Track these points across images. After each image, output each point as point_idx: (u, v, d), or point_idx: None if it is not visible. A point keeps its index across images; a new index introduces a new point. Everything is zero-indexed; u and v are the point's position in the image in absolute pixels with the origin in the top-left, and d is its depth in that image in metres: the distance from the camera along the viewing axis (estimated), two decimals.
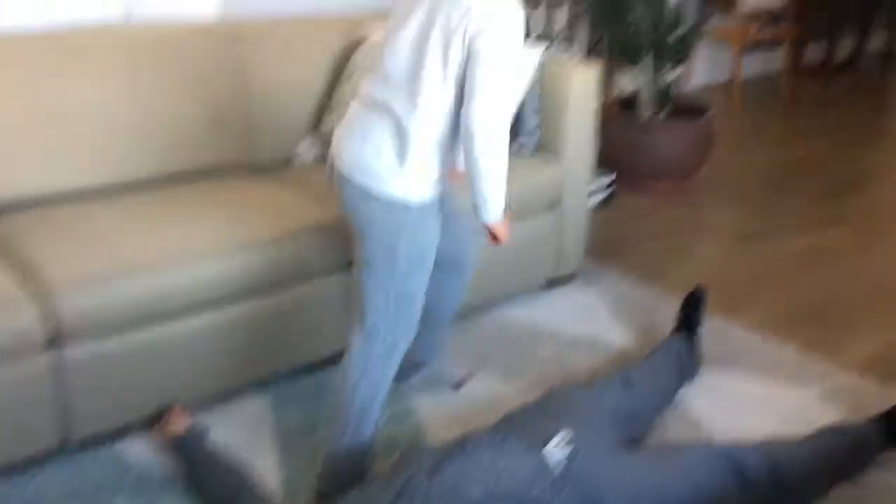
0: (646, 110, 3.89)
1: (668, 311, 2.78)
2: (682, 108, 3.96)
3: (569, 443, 1.74)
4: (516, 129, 2.80)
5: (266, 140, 2.71)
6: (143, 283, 2.00)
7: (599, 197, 3.71)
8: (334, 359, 2.42)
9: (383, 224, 1.81)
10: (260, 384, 2.34)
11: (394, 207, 1.79)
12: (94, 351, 1.97)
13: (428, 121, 1.76)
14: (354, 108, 1.87)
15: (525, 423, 1.82)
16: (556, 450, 1.72)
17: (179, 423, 2.06)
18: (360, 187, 1.80)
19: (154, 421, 2.12)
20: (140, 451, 2.09)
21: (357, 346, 1.89)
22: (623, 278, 3.04)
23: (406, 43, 1.77)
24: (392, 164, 1.78)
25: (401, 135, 1.76)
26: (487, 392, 2.36)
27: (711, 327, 2.68)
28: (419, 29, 1.76)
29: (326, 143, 2.72)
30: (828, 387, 2.41)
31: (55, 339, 1.93)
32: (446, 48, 1.72)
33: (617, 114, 3.75)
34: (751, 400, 2.35)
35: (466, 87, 1.72)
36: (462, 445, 1.72)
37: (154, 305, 2.02)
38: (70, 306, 1.91)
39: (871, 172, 4.35)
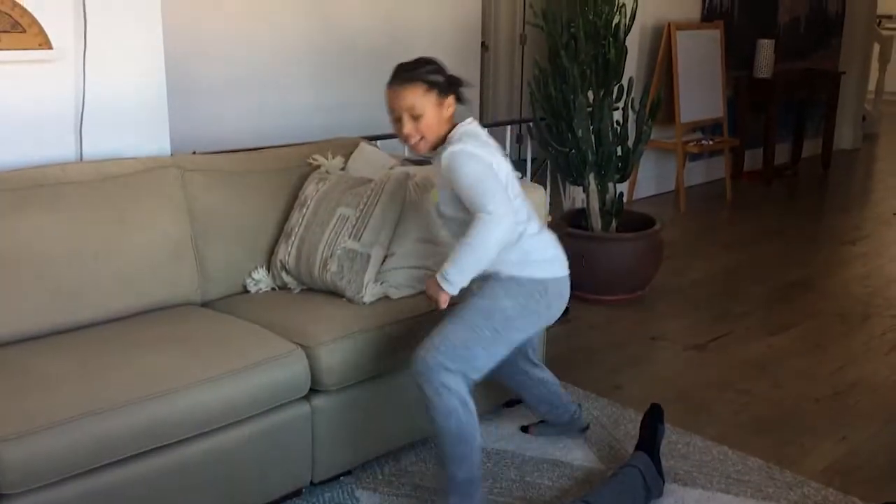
0: (595, 224, 3.98)
1: (629, 427, 2.77)
2: (631, 221, 4.06)
3: None
4: None
5: (218, 272, 2.69)
6: (88, 430, 1.92)
7: None
8: (288, 497, 2.36)
9: None
10: None
11: None
12: None
13: None
14: (550, 234, 2.46)
15: None
16: None
17: None
18: None
19: None
20: None
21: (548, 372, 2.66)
22: (583, 394, 3.03)
23: None
24: None
25: None
26: None
27: (673, 441, 2.68)
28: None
29: (280, 271, 2.73)
30: (793, 500, 2.39)
31: None
32: None
33: (567, 229, 3.83)
34: None
35: None
36: None
37: (101, 452, 1.94)
38: (9, 459, 1.83)
39: (815, 273, 4.47)
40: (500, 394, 2.85)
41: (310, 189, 2.79)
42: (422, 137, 2.25)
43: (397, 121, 2.25)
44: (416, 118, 2.22)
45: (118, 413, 1.97)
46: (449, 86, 2.26)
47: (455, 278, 2.17)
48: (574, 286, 3.88)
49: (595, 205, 3.96)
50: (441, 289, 2.19)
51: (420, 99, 2.21)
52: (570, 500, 2.29)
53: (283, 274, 2.73)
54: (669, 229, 5.11)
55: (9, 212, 2.32)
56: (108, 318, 2.42)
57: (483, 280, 2.28)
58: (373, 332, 2.43)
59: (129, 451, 2.00)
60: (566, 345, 3.48)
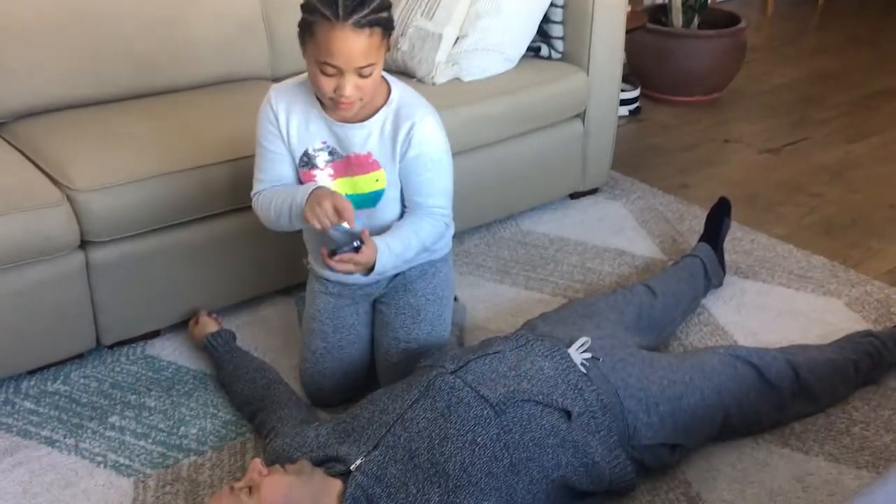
0: (676, 20, 3.80)
1: (694, 223, 2.77)
2: (714, 19, 3.86)
3: (588, 349, 1.75)
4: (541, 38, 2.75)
5: (288, 48, 2.65)
6: (168, 188, 2.01)
7: (626, 109, 3.66)
8: None
9: None
10: (284, 292, 2.37)
11: None
12: (119, 253, 2.01)
13: None
14: None
15: (546, 330, 1.84)
16: (577, 355, 1.73)
17: (209, 325, 2.10)
18: None
19: (184, 323, 2.17)
20: (172, 351, 2.15)
21: None
22: (649, 190, 3.01)
23: None
24: None
25: None
26: (509, 299, 2.38)
27: (738, 238, 2.67)
28: None
29: None
30: (854, 296, 2.39)
31: (83, 242, 1.96)
32: None
33: (646, 24, 3.66)
34: (775, 308, 2.34)
35: None
36: (485, 348, 1.74)
37: (178, 209, 2.04)
38: (96, 208, 1.94)
39: None
40: (563, 186, 2.86)
41: None
42: (361, 100, 1.66)
43: (331, 75, 1.61)
44: (363, 76, 1.62)
45: (194, 174, 2.04)
46: (392, 24, 1.65)
47: (385, 269, 1.77)
48: (649, 85, 3.82)
49: None
50: (362, 270, 1.73)
51: (376, 51, 1.60)
52: (629, 284, 2.33)
53: None
54: (754, 33, 4.85)
55: None
56: (182, 87, 2.46)
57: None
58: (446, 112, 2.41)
59: (204, 212, 2.08)
60: (636, 144, 3.43)
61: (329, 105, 1.69)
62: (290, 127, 1.76)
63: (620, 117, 3.40)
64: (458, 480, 1.48)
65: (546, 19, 2.71)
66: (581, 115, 2.78)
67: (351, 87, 1.61)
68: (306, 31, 1.62)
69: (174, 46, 2.43)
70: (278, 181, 1.80)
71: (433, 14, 2.53)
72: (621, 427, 1.68)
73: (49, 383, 2.04)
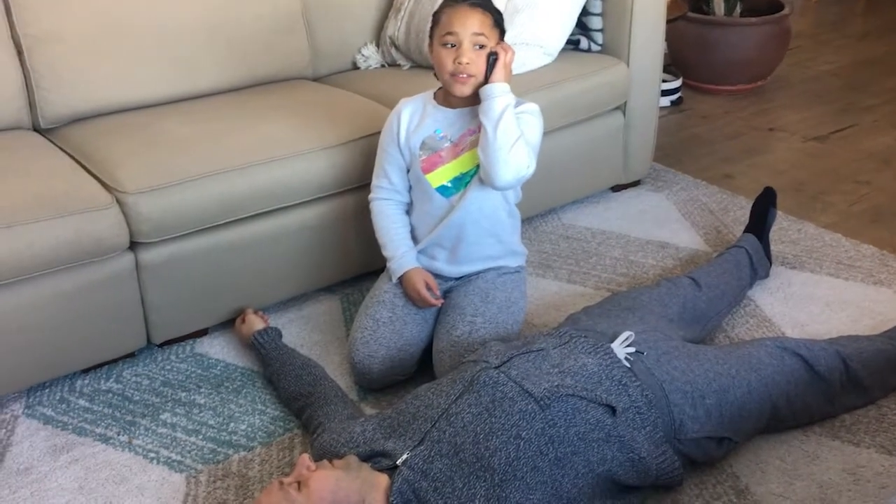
0: (718, 8, 3.75)
1: (739, 214, 2.74)
2: (757, 6, 3.81)
3: (632, 343, 1.74)
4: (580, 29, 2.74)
5: (329, 48, 2.70)
6: (215, 188, 2.04)
7: (668, 99, 3.62)
8: None
9: None
10: (328, 289, 2.40)
11: None
12: (168, 254, 2.05)
13: None
14: None
15: (589, 324, 1.83)
16: (620, 349, 1.72)
17: (255, 323, 2.14)
18: None
19: (231, 322, 2.21)
20: (220, 349, 2.19)
21: None
22: (693, 181, 2.98)
23: None
24: None
25: None
26: (552, 293, 2.38)
27: (784, 227, 2.64)
28: None
29: (390, 47, 2.71)
30: None
31: (133, 243, 2.00)
32: None
33: (687, 13, 3.62)
34: (824, 298, 2.31)
35: None
36: (528, 345, 1.74)
37: (225, 209, 2.07)
38: (145, 210, 1.97)
39: None
40: (605, 179, 2.84)
41: None
42: (473, 76, 1.89)
43: (451, 45, 1.87)
44: (477, 47, 1.87)
45: (241, 174, 2.08)
46: (503, 23, 1.95)
47: (503, 95, 1.87)
48: (690, 75, 3.78)
49: None
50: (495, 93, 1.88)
51: (489, 30, 1.88)
52: (673, 276, 2.31)
53: (393, 50, 2.72)
54: (798, 19, 4.79)
55: None
56: (225, 89, 2.50)
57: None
58: None
59: (249, 212, 2.12)
60: (678, 134, 3.40)
61: (449, 83, 1.91)
62: (408, 124, 2.00)
63: (662, 108, 3.38)
64: (503, 475, 1.49)
65: (585, 11, 2.70)
66: (622, 108, 2.76)
67: (467, 55, 1.86)
68: (434, 25, 1.91)
69: (217, 50, 2.47)
70: (389, 186, 2.06)
71: None
72: (667, 421, 1.67)
73: (102, 381, 2.09)
